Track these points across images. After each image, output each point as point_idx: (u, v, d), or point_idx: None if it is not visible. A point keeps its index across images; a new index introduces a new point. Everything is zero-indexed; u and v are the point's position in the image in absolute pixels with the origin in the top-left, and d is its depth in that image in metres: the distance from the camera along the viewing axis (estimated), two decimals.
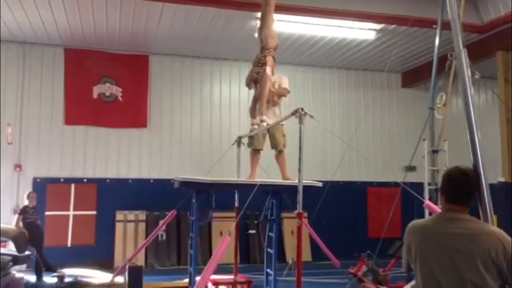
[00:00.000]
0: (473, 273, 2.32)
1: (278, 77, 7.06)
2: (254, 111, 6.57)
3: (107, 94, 11.65)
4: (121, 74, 11.70)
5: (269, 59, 6.40)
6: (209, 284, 6.83)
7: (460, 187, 2.52)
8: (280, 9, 9.03)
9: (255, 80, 6.47)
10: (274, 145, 6.61)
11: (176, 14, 9.38)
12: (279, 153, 6.59)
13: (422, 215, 6.55)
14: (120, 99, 11.71)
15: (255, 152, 6.68)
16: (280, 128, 6.59)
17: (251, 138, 6.72)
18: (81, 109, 11.42)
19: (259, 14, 9.23)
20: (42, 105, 11.23)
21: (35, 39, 10.88)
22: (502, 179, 9.54)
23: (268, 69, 6.36)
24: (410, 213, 7.51)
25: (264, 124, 6.22)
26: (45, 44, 11.16)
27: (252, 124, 6.44)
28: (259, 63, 6.41)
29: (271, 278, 6.45)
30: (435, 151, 7.12)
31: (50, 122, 11.26)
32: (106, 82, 11.64)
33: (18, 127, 11.00)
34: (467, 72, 2.89)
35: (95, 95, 11.57)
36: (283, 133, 6.65)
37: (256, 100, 6.59)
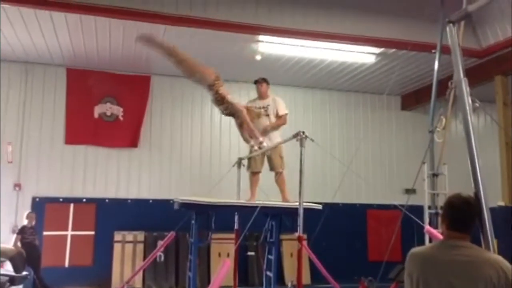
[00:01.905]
0: None
1: (273, 99, 7.05)
2: (247, 138, 6.49)
3: (108, 113, 11.69)
4: (122, 94, 11.73)
5: (222, 89, 6.01)
6: None
7: (462, 214, 2.54)
8: (280, 32, 9.19)
9: (230, 115, 6.30)
10: (272, 168, 6.63)
11: (178, 36, 9.48)
12: (278, 175, 6.60)
13: (422, 239, 6.52)
14: (121, 118, 11.74)
15: (254, 174, 6.70)
16: (277, 150, 6.60)
17: (249, 161, 6.74)
18: (82, 129, 11.42)
19: (260, 37, 9.42)
20: (43, 124, 11.26)
21: (38, 59, 10.97)
22: (502, 203, 9.52)
23: (229, 97, 6.05)
24: (410, 236, 7.49)
25: (264, 144, 6.22)
26: (48, 64, 11.23)
27: (252, 146, 6.43)
28: (218, 101, 6.07)
29: None
30: (435, 175, 7.13)
31: (50, 142, 11.26)
32: (107, 101, 11.68)
33: (18, 146, 11.01)
34: (467, 101, 2.93)
35: (96, 115, 11.60)
36: (280, 154, 6.66)
37: (241, 129, 6.36)
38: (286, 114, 7.02)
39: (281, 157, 6.66)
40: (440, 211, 6.44)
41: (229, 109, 6.13)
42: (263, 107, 6.93)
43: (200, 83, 6.17)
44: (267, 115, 6.91)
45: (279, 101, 7.04)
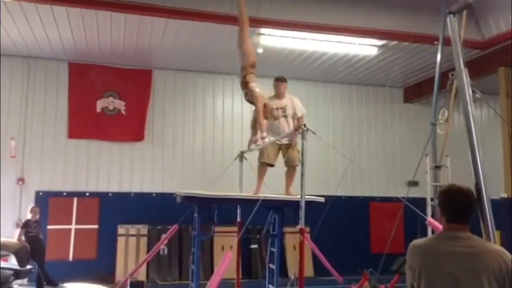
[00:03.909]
0: None
1: (290, 99, 6.80)
2: (254, 129, 6.43)
3: (110, 108, 11.71)
4: (124, 88, 11.75)
5: (250, 76, 6.03)
6: None
7: (462, 207, 2.54)
8: (282, 25, 9.16)
9: (250, 102, 6.27)
10: (290, 162, 6.48)
11: (179, 29, 9.47)
12: (292, 168, 6.50)
13: (425, 231, 6.52)
14: (123, 112, 11.76)
15: (264, 165, 6.60)
16: (295, 144, 6.52)
17: (261, 151, 6.62)
18: (85, 123, 11.46)
19: (262, 30, 9.38)
20: (46, 119, 11.29)
21: (40, 54, 10.98)
22: (504, 195, 9.51)
23: (253, 85, 6.01)
24: (413, 228, 7.50)
25: (266, 140, 6.17)
26: (50, 59, 11.25)
27: (255, 142, 6.34)
28: (243, 85, 6.09)
29: None
30: (437, 167, 7.11)
31: (53, 136, 11.30)
32: (109, 96, 11.70)
33: (21, 140, 11.05)
34: (468, 91, 2.92)
35: (98, 109, 11.62)
36: (298, 149, 6.56)
37: (255, 119, 6.39)
38: (304, 113, 6.81)
39: (298, 152, 6.55)
40: None
41: (249, 96, 6.06)
42: (281, 108, 6.62)
43: (239, 59, 6.24)
44: (285, 116, 6.62)
45: (297, 102, 6.72)
